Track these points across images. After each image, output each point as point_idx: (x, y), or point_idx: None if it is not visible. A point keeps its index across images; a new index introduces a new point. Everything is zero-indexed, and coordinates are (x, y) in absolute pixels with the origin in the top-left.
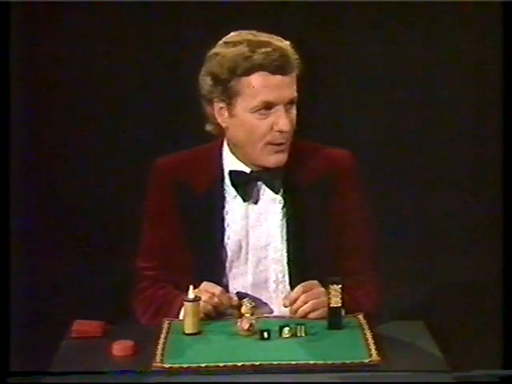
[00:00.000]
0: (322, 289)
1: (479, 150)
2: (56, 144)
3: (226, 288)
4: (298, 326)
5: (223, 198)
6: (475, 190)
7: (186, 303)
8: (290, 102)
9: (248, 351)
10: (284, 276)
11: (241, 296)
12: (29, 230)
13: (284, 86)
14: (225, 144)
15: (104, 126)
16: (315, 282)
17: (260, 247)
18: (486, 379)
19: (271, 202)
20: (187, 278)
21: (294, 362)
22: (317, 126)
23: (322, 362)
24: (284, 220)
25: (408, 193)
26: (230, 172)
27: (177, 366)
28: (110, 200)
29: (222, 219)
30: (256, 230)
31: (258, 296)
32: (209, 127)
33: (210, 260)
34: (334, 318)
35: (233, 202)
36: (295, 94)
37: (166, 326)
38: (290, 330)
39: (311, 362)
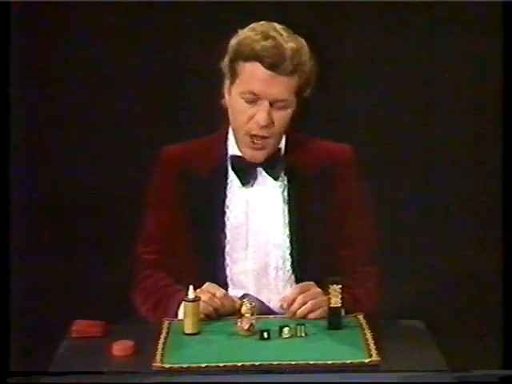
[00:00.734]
0: (319, 289)
1: (479, 149)
2: (56, 143)
3: (224, 273)
4: (298, 326)
5: (225, 183)
6: (475, 189)
7: (185, 303)
8: (278, 101)
9: (248, 351)
10: (284, 262)
11: (245, 297)
12: (29, 230)
13: (273, 84)
14: (230, 129)
15: (104, 125)
16: (311, 282)
17: (260, 232)
18: (485, 379)
19: (272, 188)
20: (187, 263)
21: (293, 362)
22: (317, 121)
23: (321, 362)
24: (285, 206)
25: (408, 192)
26: (231, 156)
27: (177, 366)
28: (111, 200)
29: (223, 203)
30: (256, 215)
31: (257, 283)
32: (222, 100)
33: (210, 244)
34: (333, 318)
35: (234, 187)
36: (286, 97)
37: (166, 325)
38: (289, 330)
39: (311, 362)
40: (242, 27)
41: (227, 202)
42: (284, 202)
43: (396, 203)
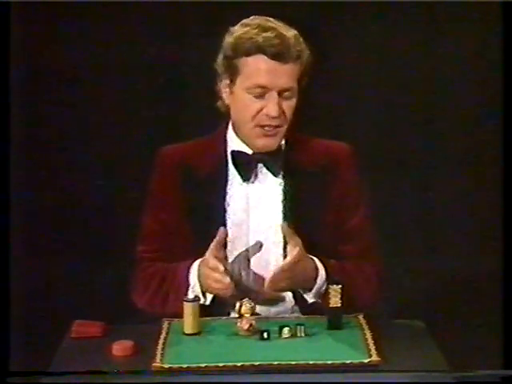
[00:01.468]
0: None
1: (479, 149)
2: (56, 143)
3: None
4: (298, 327)
5: (226, 179)
6: (475, 189)
7: (185, 303)
8: (285, 91)
9: (248, 351)
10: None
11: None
12: (29, 230)
13: (280, 73)
14: (230, 126)
15: (104, 125)
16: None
17: (260, 229)
18: (486, 379)
19: (272, 184)
20: (187, 261)
21: (293, 362)
22: (316, 120)
23: (321, 362)
24: (285, 203)
25: (407, 192)
26: (233, 152)
27: (177, 366)
28: (111, 200)
29: (224, 199)
30: (257, 211)
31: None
32: (219, 103)
33: (211, 241)
34: (333, 318)
35: (235, 183)
36: (292, 85)
37: (165, 325)
38: (289, 330)
39: (311, 362)
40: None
41: (228, 199)
42: (284, 198)
43: (396, 203)
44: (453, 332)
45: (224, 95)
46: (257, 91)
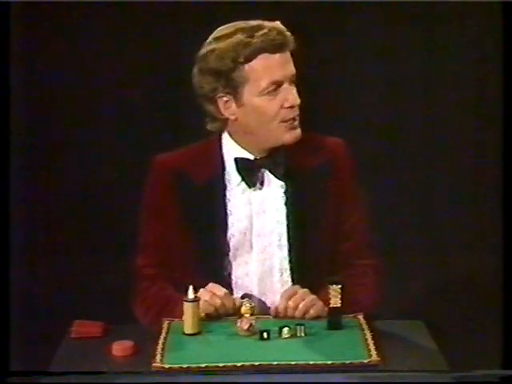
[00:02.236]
0: (305, 289)
1: (479, 149)
2: (56, 144)
3: (229, 277)
4: (298, 327)
5: (224, 187)
6: (475, 189)
7: (185, 303)
8: (293, 78)
9: (248, 351)
10: (288, 264)
11: (245, 297)
12: (29, 230)
13: (285, 63)
14: (225, 134)
15: (104, 126)
16: (296, 286)
17: (264, 234)
18: (485, 379)
19: (274, 188)
20: (189, 274)
21: (293, 362)
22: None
23: (321, 362)
24: (287, 206)
25: (407, 192)
26: (236, 159)
27: (177, 366)
28: (111, 200)
29: (225, 207)
30: (260, 216)
31: (261, 286)
32: (210, 126)
33: (213, 249)
34: (333, 318)
35: (235, 190)
36: (295, 70)
37: (165, 325)
38: (289, 331)
39: (311, 362)
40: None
41: (230, 206)
42: (285, 202)
43: (396, 203)
44: (453, 332)
45: (227, 113)
46: (272, 89)
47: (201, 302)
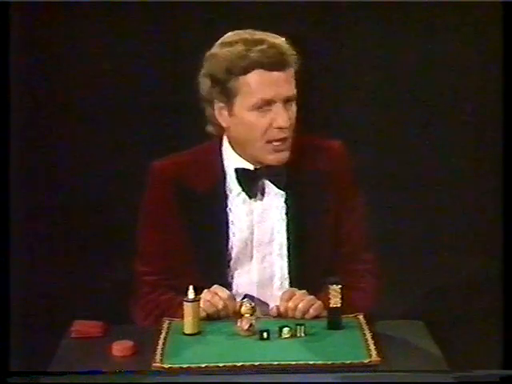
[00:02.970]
0: (303, 291)
1: (479, 150)
2: (56, 145)
3: (230, 286)
4: (298, 327)
5: (225, 197)
6: (475, 189)
7: (185, 303)
8: (289, 99)
9: (248, 351)
10: (287, 270)
11: (246, 298)
12: (29, 230)
13: (281, 83)
14: (225, 142)
15: (104, 127)
16: (294, 288)
17: (264, 243)
18: (486, 379)
19: (274, 198)
20: (190, 282)
21: (293, 362)
22: (316, 123)
23: (321, 362)
24: (287, 215)
25: (407, 193)
26: (236, 170)
27: (177, 366)
28: (111, 200)
29: (226, 217)
30: (261, 226)
31: (262, 294)
32: (210, 128)
33: (215, 258)
34: (333, 318)
35: (236, 200)
36: (294, 91)
37: (165, 325)
38: (289, 331)
39: (311, 362)
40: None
41: (231, 216)
42: (286, 210)
43: (396, 204)
44: (453, 332)
45: (220, 119)
46: (262, 106)
47: (203, 302)
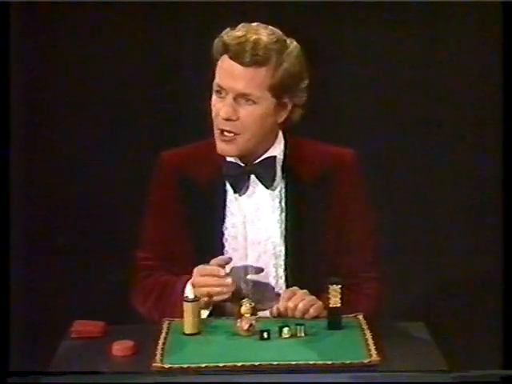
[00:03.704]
0: (305, 290)
1: (479, 149)
2: (56, 145)
3: None
4: (298, 327)
5: (224, 191)
6: (475, 189)
7: (185, 303)
8: (242, 95)
9: (248, 351)
10: (284, 271)
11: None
12: (29, 230)
13: (239, 77)
14: None
15: (104, 126)
16: (295, 287)
17: (259, 242)
18: (485, 379)
19: (268, 197)
20: (187, 272)
21: (293, 362)
22: (317, 124)
23: (321, 362)
24: (283, 215)
25: (408, 193)
26: (224, 162)
27: (177, 366)
28: (111, 200)
29: (223, 211)
30: (254, 224)
31: (258, 292)
32: None
33: (210, 252)
34: (333, 318)
35: (230, 195)
36: (251, 90)
37: (165, 325)
38: (289, 330)
39: (311, 362)
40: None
41: (226, 211)
42: (282, 211)
43: (396, 204)
44: (453, 332)
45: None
46: (218, 91)
47: (197, 287)
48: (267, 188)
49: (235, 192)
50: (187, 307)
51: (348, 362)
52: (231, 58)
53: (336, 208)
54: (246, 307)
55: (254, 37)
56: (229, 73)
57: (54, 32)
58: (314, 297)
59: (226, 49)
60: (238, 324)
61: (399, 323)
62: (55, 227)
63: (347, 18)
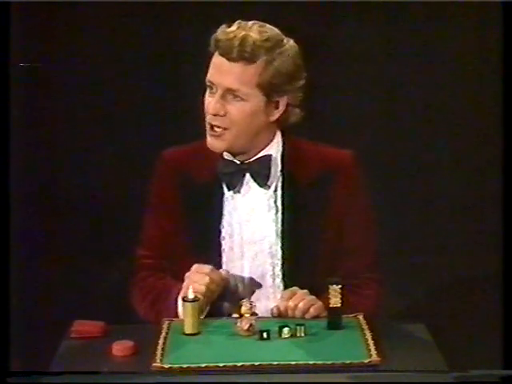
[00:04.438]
0: (305, 290)
1: (479, 149)
2: (56, 143)
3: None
4: (298, 327)
5: (222, 189)
6: (475, 189)
7: (185, 303)
8: (230, 91)
9: (248, 351)
10: (280, 270)
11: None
12: (29, 230)
13: (227, 72)
14: None
15: (104, 125)
16: (295, 287)
17: (255, 241)
18: (486, 379)
19: (263, 196)
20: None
21: (293, 362)
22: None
23: (321, 362)
24: (279, 214)
25: (407, 193)
26: (220, 159)
27: (177, 366)
28: (111, 200)
29: (220, 209)
30: (249, 224)
31: (255, 290)
32: None
33: (208, 250)
34: (333, 319)
35: (228, 195)
36: (239, 86)
37: (165, 326)
38: (289, 331)
39: (311, 362)
40: None
41: (223, 209)
42: (278, 211)
43: (396, 204)
44: (453, 332)
45: None
46: (209, 86)
47: (190, 284)
48: (261, 186)
49: (229, 190)
50: (187, 307)
51: (348, 362)
52: (220, 54)
53: (335, 209)
54: (245, 307)
55: (243, 33)
56: (218, 68)
57: (54, 32)
58: (314, 297)
59: (216, 45)
60: (238, 324)
61: (399, 323)
62: (55, 227)
63: (347, 18)
